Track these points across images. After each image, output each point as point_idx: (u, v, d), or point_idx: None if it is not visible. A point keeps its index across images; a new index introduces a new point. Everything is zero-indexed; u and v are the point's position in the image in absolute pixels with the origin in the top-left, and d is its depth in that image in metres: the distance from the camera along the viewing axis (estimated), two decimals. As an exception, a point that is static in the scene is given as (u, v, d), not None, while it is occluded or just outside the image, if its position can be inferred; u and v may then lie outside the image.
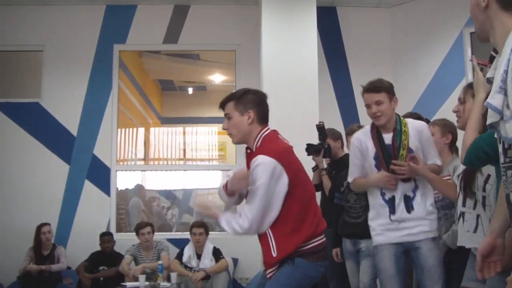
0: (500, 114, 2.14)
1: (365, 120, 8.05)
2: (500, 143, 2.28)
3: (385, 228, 4.28)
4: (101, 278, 8.01)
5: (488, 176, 3.29)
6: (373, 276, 5.44)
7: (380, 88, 4.25)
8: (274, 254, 3.51)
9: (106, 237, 8.27)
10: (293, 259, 3.52)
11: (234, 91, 9.15)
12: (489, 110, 2.21)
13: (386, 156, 4.27)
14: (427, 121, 5.64)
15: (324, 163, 6.68)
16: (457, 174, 3.81)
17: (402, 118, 4.35)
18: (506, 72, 2.08)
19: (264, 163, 3.47)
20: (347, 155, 6.16)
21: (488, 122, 2.23)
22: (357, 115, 8.51)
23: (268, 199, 3.46)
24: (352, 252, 5.68)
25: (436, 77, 8.37)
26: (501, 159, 2.29)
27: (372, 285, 5.43)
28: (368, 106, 4.34)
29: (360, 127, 5.68)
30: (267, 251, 3.55)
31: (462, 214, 3.54)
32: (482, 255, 2.55)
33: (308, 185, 3.76)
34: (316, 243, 3.59)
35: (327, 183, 6.46)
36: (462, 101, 3.61)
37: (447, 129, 4.72)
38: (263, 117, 3.71)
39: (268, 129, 3.73)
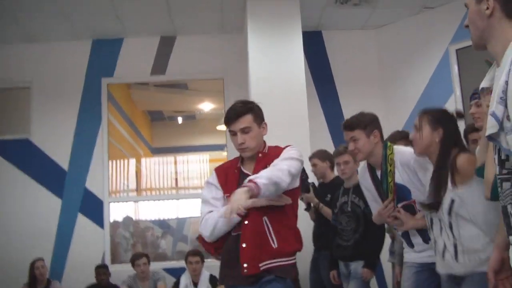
0: (500, 125, 2.15)
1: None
2: (495, 154, 2.29)
3: (408, 249, 4.21)
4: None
5: (452, 201, 3.32)
6: None
7: (353, 125, 4.22)
8: (275, 246, 3.49)
9: (101, 269, 8.22)
10: (286, 278, 3.50)
11: (223, 118, 9.22)
12: (488, 120, 2.21)
13: (384, 197, 4.17)
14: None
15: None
16: None
17: (390, 152, 4.15)
18: (506, 82, 2.09)
19: (297, 149, 3.70)
20: (337, 178, 6.18)
21: (487, 133, 2.24)
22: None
23: (291, 172, 3.50)
24: (346, 275, 5.68)
25: (424, 95, 8.41)
26: (497, 170, 2.30)
27: None
28: (346, 143, 4.36)
29: (346, 148, 5.68)
30: (264, 241, 3.50)
31: (435, 240, 3.57)
32: (494, 271, 2.51)
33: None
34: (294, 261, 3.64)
35: (328, 211, 6.27)
36: (418, 128, 3.62)
37: None
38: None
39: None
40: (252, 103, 3.83)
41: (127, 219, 9.99)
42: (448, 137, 3.47)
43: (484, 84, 2.40)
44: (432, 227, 3.55)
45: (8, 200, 8.88)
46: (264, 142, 3.82)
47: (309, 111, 7.79)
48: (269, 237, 3.49)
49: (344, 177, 5.79)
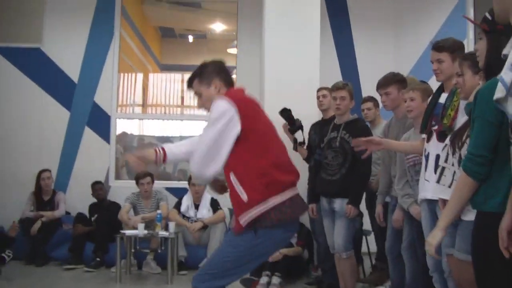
0: (507, 91, 2.23)
1: (366, 79, 8.14)
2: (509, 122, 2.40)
3: None
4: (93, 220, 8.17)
5: (467, 137, 3.33)
6: (348, 237, 5.49)
7: (442, 47, 4.26)
8: (245, 199, 3.35)
9: (97, 185, 8.49)
10: (255, 228, 3.35)
11: (235, 41, 9.19)
12: (498, 85, 2.30)
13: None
14: (424, 83, 5.73)
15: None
16: None
17: (456, 99, 4.06)
18: None
19: (218, 103, 3.41)
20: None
21: (494, 97, 2.32)
22: (358, 75, 8.72)
23: (216, 139, 3.36)
24: (328, 210, 5.67)
25: (437, 38, 8.35)
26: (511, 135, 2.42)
27: (347, 247, 5.49)
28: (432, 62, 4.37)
29: (345, 84, 5.73)
30: (236, 197, 3.41)
31: (443, 168, 3.67)
32: (508, 232, 2.54)
33: (270, 137, 3.57)
34: (283, 199, 3.40)
35: (304, 152, 6.81)
36: (459, 73, 3.67)
37: (427, 93, 4.72)
38: (227, 82, 3.69)
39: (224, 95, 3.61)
40: (199, 65, 3.73)
41: (130, 135, 10.12)
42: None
43: (505, 51, 2.44)
44: (446, 158, 3.67)
45: (16, 109, 9.02)
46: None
47: (321, 44, 7.73)
48: (238, 190, 3.41)
49: (338, 113, 5.74)
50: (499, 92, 2.28)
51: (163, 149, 3.57)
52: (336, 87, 5.73)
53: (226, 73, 3.72)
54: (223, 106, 3.37)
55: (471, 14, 8.09)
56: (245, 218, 3.34)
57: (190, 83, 3.71)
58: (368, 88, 6.94)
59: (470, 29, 8.07)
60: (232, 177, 3.41)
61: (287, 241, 3.59)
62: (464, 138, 3.40)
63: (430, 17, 8.55)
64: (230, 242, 3.52)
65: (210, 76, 3.63)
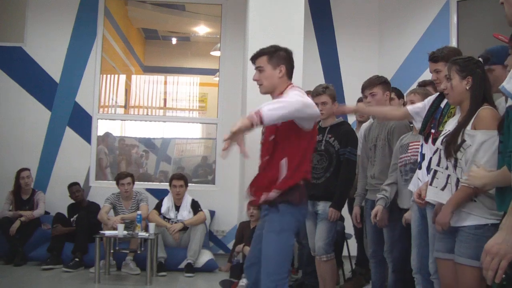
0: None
1: (348, 84, 8.17)
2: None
3: None
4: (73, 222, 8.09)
5: (463, 141, 3.40)
6: (329, 240, 5.51)
7: (437, 57, 4.31)
8: (284, 176, 3.84)
9: (74, 187, 8.38)
10: (277, 205, 3.79)
11: (218, 44, 9.17)
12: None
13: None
14: (400, 93, 5.80)
15: None
16: None
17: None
18: None
19: (295, 88, 3.91)
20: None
21: (507, 104, 2.50)
22: (341, 81, 8.73)
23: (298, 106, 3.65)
24: (311, 213, 5.63)
25: (420, 43, 8.41)
26: None
27: (327, 250, 5.50)
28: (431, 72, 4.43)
29: (325, 88, 5.70)
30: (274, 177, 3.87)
31: (435, 172, 3.66)
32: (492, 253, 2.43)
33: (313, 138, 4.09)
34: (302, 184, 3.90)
35: None
36: (448, 77, 3.68)
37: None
38: (290, 73, 4.08)
39: (294, 86, 4.05)
40: (274, 46, 4.09)
41: (112, 136, 10.06)
42: (477, 83, 3.54)
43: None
44: (439, 161, 3.67)
45: (-3, 107, 8.91)
46: (287, 86, 4.03)
47: (304, 47, 7.69)
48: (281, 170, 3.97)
49: (321, 118, 5.68)
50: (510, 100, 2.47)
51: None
52: (316, 93, 5.71)
53: (292, 65, 4.11)
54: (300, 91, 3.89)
55: (454, 20, 8.15)
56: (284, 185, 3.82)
57: (257, 57, 4.09)
58: (351, 94, 6.94)
59: (453, 35, 8.13)
60: (284, 161, 3.87)
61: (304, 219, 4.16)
62: (459, 141, 3.41)
63: (414, 23, 8.59)
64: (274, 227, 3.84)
65: (280, 61, 4.02)
